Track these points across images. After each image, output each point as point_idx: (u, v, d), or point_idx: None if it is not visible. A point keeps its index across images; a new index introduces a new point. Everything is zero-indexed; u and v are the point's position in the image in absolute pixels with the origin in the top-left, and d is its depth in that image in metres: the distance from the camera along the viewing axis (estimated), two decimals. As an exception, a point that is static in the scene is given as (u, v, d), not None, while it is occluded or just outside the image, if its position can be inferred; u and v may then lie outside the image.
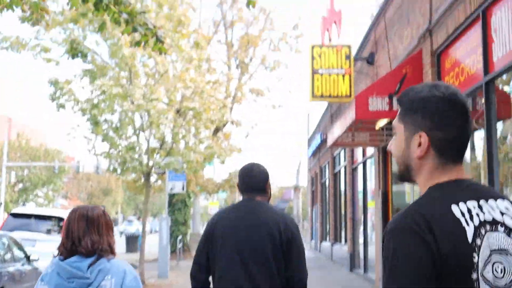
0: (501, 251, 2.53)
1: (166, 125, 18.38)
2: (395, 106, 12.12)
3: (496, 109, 9.64)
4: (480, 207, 2.55)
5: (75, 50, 18.22)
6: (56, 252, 4.59)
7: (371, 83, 13.50)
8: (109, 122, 18.79)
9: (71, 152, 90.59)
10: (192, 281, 5.51)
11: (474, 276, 2.42)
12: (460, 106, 2.57)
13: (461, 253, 2.42)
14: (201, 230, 42.50)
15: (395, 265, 2.29)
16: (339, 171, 29.92)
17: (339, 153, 29.39)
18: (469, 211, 2.51)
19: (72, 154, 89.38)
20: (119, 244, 47.41)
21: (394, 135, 2.60)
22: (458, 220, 2.47)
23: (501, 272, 2.55)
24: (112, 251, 4.48)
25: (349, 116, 13.40)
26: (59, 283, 4.30)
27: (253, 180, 5.60)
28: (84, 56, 18.31)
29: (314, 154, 40.71)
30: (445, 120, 2.49)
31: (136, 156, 18.90)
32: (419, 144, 2.49)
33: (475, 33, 10.21)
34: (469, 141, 2.70)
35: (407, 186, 16.61)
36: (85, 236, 4.39)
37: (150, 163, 19.58)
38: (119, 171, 19.38)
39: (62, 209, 38.77)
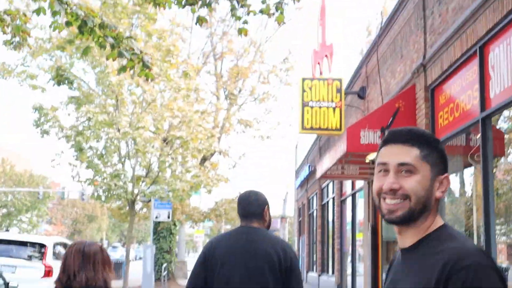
0: None
1: (153, 153, 17.88)
2: None
3: (492, 145, 9.51)
4: None
5: (61, 77, 17.94)
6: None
7: (363, 117, 13.14)
8: (94, 149, 18.30)
9: (56, 178, 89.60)
10: None
11: None
12: None
13: None
14: (186, 258, 41.96)
15: None
16: (327, 202, 29.80)
17: (328, 185, 29.21)
18: None
19: (58, 180, 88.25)
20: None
21: (412, 173, 2.57)
22: None
23: None
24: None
25: (340, 148, 13.12)
26: None
27: (251, 206, 5.51)
28: (70, 83, 17.95)
29: (301, 185, 40.24)
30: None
31: (121, 183, 18.36)
32: (441, 185, 2.60)
33: (472, 69, 10.08)
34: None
35: None
36: (80, 271, 4.37)
37: (135, 191, 19.09)
38: (103, 198, 18.86)
39: (45, 236, 38.21)
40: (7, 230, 62.00)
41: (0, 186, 64.23)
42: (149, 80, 9.26)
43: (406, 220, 2.54)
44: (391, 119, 12.53)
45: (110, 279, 4.57)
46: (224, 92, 34.88)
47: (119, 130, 17.17)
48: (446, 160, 2.65)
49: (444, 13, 11.32)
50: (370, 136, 12.63)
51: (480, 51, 9.51)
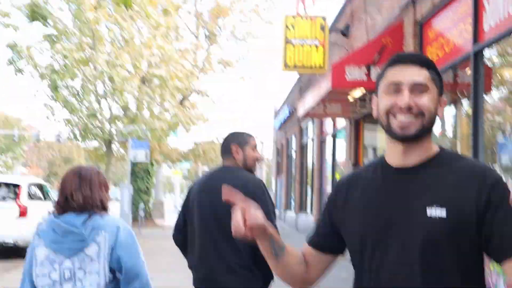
0: None
1: (130, 92, 17.26)
2: (373, 76, 11.85)
3: (483, 80, 9.30)
4: None
5: (34, 13, 17.07)
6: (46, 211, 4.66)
7: (347, 54, 12.70)
8: (70, 88, 17.63)
9: (32, 121, 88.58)
10: (173, 237, 5.90)
11: None
12: None
13: None
14: (164, 198, 41.66)
15: None
16: (307, 143, 29.91)
17: (307, 125, 29.30)
18: None
19: (34, 124, 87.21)
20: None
21: (425, 92, 2.80)
22: None
23: None
24: (104, 208, 4.48)
25: (325, 85, 12.71)
26: (54, 238, 4.32)
27: (221, 146, 5.75)
28: (45, 19, 17.14)
29: (281, 126, 40.54)
30: None
31: (98, 123, 17.75)
32: (441, 106, 2.88)
33: (465, 2, 9.69)
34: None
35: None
36: (77, 191, 4.38)
37: (113, 131, 18.50)
38: (79, 138, 18.26)
39: (19, 176, 37.83)
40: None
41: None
42: (127, 9, 8.70)
43: (419, 136, 2.70)
44: (377, 56, 12.13)
45: (107, 199, 4.57)
46: (204, 31, 33.88)
47: (95, 69, 16.42)
48: (442, 83, 2.91)
49: None
50: (355, 73, 12.29)
51: None
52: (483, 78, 9.20)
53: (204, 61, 32.37)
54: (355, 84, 12.15)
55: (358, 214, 2.93)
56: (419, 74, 2.74)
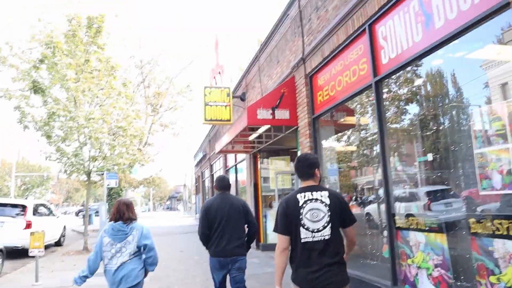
0: (314, 209, 3.54)
1: (101, 138, 13.36)
2: (277, 115, 9.56)
3: (383, 107, 6.24)
4: (311, 193, 3.59)
5: (36, 87, 13.20)
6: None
7: (258, 99, 9.34)
8: (59, 137, 13.62)
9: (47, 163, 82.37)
10: (201, 236, 5.71)
11: (301, 217, 3.52)
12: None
13: (296, 210, 3.59)
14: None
15: None
16: (215, 172, 27.26)
17: (215, 162, 27.08)
18: (303, 196, 3.59)
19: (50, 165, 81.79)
20: (78, 219, 40.54)
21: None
22: (297, 198, 3.61)
23: (316, 217, 3.51)
24: (135, 219, 4.92)
25: (241, 124, 9.37)
26: (112, 233, 4.82)
27: (224, 182, 5.91)
28: (43, 92, 13.13)
29: (197, 164, 39.41)
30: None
31: (80, 161, 13.79)
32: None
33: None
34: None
35: (271, 180, 14.47)
36: (126, 213, 4.84)
37: (91, 166, 14.41)
38: (68, 172, 14.20)
39: (28, 199, 33.31)
40: (26, 199, 55.09)
41: (20, 173, 62.13)
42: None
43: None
44: (278, 101, 9.74)
45: (135, 216, 4.93)
46: (150, 106, 29.93)
47: (78, 122, 12.52)
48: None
49: (323, 14, 8.62)
50: (264, 113, 9.69)
51: (370, 29, 6.83)
52: (383, 104, 5.75)
53: (151, 124, 28.72)
54: (264, 122, 9.21)
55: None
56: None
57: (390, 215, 6.05)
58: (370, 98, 6.85)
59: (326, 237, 3.41)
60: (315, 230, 3.41)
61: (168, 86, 31.73)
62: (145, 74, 31.36)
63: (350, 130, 8.62)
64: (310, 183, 3.62)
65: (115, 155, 15.54)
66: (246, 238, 5.74)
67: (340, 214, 3.52)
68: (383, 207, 6.38)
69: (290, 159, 14.68)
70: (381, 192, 6.46)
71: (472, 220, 4.58)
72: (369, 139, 7.57)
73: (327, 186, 8.26)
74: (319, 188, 3.59)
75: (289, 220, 3.48)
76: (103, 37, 15.15)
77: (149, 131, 29.59)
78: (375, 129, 6.62)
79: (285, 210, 3.55)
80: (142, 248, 4.77)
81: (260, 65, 13.76)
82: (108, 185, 21.58)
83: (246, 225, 5.74)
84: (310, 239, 3.42)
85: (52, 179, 70.14)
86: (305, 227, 3.42)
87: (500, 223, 4.18)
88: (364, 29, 6.84)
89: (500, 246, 4.23)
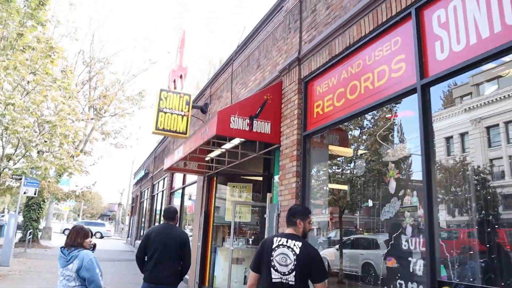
0: (283, 253, 3.85)
1: (21, 133, 10.38)
2: (255, 127, 7.72)
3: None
4: (285, 240, 3.89)
5: None
6: None
7: (235, 103, 7.17)
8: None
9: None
10: (136, 258, 6.16)
11: (272, 258, 3.87)
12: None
13: (269, 251, 3.96)
14: (52, 225, 32.88)
15: None
16: (157, 194, 25.38)
17: (158, 182, 25.21)
18: (278, 240, 3.93)
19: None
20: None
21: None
22: (273, 241, 3.96)
23: (284, 261, 3.79)
24: (81, 247, 4.83)
25: (207, 132, 7.08)
26: (59, 256, 4.78)
27: (169, 213, 6.35)
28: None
29: (137, 182, 37.03)
30: None
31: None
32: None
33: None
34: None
35: (227, 210, 12.58)
36: (72, 239, 4.79)
37: (1, 167, 11.40)
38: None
39: None
40: None
41: None
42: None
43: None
44: (259, 109, 7.84)
45: (87, 243, 4.89)
46: (93, 110, 26.53)
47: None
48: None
49: (337, 2, 6.72)
50: (239, 122, 7.64)
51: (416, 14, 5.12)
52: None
53: (91, 131, 25.48)
54: (239, 133, 7.19)
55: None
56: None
57: (436, 282, 4.29)
58: (395, 112, 5.15)
59: (291, 283, 3.82)
60: (282, 273, 3.85)
61: (117, 90, 28.03)
62: (93, 73, 27.54)
63: (352, 155, 6.78)
64: (290, 230, 4.07)
65: (35, 157, 12.46)
66: (180, 269, 6.29)
67: (307, 267, 3.85)
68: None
69: (252, 189, 12.59)
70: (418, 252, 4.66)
71: None
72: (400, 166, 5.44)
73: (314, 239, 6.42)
74: (295, 237, 3.99)
75: (262, 259, 4.00)
76: (47, 12, 13.37)
77: (87, 137, 26.30)
78: (414, 151, 4.80)
79: (260, 249, 4.06)
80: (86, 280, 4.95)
81: (234, 70, 11.87)
82: (24, 193, 17.12)
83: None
84: (279, 280, 3.85)
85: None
86: (275, 268, 3.88)
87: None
88: (408, 14, 5.17)
89: None
